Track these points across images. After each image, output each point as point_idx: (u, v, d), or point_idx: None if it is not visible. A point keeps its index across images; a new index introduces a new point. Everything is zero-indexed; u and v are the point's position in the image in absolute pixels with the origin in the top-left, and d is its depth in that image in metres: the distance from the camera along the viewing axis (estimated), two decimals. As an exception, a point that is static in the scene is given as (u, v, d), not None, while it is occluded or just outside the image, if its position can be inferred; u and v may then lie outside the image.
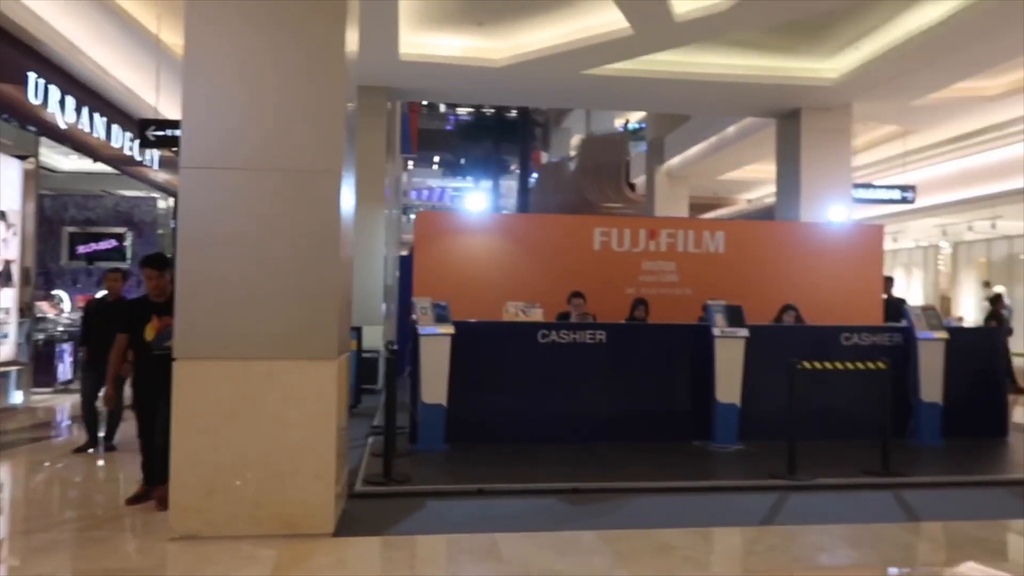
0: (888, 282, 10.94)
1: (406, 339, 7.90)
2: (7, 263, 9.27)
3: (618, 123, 29.32)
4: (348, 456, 5.43)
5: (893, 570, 4.23)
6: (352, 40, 4.91)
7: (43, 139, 9.43)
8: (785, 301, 8.59)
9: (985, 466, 6.59)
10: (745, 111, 13.76)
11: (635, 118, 27.44)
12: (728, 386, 7.10)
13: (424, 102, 32.62)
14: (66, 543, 4.37)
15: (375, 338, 10.84)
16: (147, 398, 5.00)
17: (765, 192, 20.84)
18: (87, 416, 6.81)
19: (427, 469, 6.01)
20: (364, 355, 10.10)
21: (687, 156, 18.56)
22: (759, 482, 5.74)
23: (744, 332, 7.17)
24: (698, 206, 22.63)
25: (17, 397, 9.34)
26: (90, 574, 3.85)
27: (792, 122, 12.66)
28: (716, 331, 7.15)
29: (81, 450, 6.73)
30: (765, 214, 18.92)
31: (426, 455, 6.53)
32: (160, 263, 5.15)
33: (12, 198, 9.39)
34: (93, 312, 7.09)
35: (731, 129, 16.12)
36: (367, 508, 4.99)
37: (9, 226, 9.31)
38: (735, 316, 7.26)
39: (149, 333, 4.98)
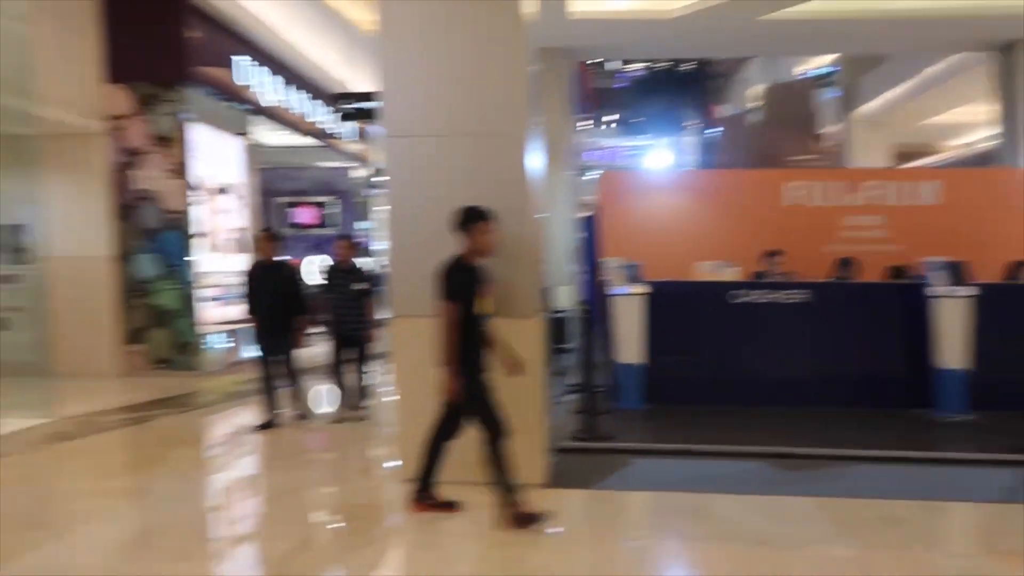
0: None
1: (592, 300, 7.90)
2: (241, 231, 10.30)
3: (798, 70, 27.40)
4: (550, 413, 5.53)
5: None
6: (527, 2, 4.91)
7: (248, 117, 10.30)
8: (1017, 257, 7.70)
9: None
10: (951, 47, 12.33)
11: (815, 63, 25.49)
12: (952, 350, 6.50)
13: (591, 61, 32.18)
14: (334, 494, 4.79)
15: (564, 298, 10.94)
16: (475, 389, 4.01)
17: (979, 136, 18.74)
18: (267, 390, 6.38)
19: (628, 428, 6.03)
20: (554, 315, 10.23)
21: (885, 100, 17.05)
22: (996, 456, 5.22)
23: (967, 291, 6.51)
24: (900, 155, 20.80)
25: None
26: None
27: (1009, 56, 11.21)
28: (935, 290, 6.55)
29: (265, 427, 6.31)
30: (979, 161, 17.05)
31: (625, 414, 6.54)
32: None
33: (237, 172, 10.40)
34: (256, 277, 6.35)
35: (935, 68, 14.56)
36: (573, 463, 5.09)
37: (239, 197, 10.33)
38: (957, 273, 6.61)
39: (489, 304, 4.00)
